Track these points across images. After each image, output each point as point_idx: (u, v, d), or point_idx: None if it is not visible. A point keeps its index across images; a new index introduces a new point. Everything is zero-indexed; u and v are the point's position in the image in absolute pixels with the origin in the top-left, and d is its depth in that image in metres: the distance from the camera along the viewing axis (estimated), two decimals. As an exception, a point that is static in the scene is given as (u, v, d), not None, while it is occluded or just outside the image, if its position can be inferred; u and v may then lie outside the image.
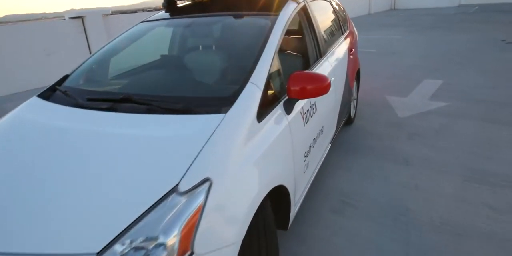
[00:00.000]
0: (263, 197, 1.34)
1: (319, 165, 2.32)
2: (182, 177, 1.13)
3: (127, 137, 1.34)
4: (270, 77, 1.62)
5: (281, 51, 1.86)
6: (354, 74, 3.37)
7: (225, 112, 1.38)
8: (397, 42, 8.60)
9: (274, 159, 1.49)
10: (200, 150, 1.21)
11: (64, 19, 7.25)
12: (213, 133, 1.28)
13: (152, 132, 1.35)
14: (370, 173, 2.66)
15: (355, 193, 2.41)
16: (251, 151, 1.35)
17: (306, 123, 1.87)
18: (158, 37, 2.31)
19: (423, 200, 2.28)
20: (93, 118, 1.53)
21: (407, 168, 2.70)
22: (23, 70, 6.24)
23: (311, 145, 2.00)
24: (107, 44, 2.31)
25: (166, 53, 2.48)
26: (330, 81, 1.65)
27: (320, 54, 2.37)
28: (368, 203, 2.29)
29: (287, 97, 1.68)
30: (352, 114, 3.61)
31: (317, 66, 2.23)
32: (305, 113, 1.86)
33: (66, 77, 2.09)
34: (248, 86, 1.50)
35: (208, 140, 1.25)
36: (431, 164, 2.73)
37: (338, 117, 2.76)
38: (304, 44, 2.31)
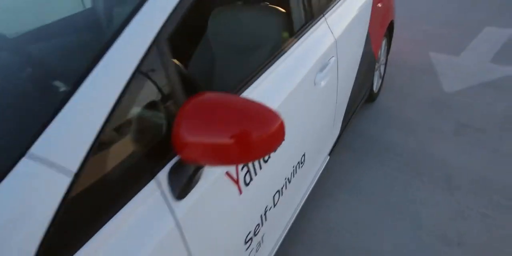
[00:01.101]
0: None
1: (298, 211, 1.39)
2: None
3: None
4: (122, 114, 0.61)
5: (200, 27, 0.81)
6: (383, 31, 2.19)
7: None
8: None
9: None
10: None
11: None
12: None
13: None
14: (387, 202, 1.70)
15: (358, 247, 1.51)
16: None
17: (248, 184, 0.89)
18: None
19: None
20: None
21: (451, 195, 1.71)
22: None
23: (267, 208, 1.05)
24: None
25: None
26: (281, 122, 0.63)
27: (311, 14, 1.26)
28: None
29: (179, 158, 0.70)
30: (376, 87, 2.50)
31: (302, 39, 1.15)
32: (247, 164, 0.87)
33: None
34: (21, 168, 0.49)
35: None
36: (491, 189, 1.71)
37: (347, 108, 1.73)
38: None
